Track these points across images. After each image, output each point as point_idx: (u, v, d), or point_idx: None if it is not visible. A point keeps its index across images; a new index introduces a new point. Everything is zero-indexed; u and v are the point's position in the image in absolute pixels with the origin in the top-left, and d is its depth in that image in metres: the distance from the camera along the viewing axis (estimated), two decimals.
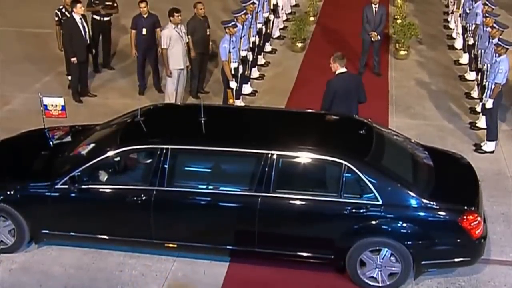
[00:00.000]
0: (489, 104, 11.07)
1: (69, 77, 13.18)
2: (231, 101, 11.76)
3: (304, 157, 8.00)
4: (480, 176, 9.52)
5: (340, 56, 10.00)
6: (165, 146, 8.11)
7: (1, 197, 8.36)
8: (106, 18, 13.86)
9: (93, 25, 13.72)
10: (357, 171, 7.82)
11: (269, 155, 7.94)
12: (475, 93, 13.05)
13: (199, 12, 12.69)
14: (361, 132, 8.61)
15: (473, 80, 13.59)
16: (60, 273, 8.27)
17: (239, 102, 12.22)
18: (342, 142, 8.45)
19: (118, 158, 8.36)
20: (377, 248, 7.85)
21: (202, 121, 8.49)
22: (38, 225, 8.45)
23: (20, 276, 8.24)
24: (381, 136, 8.70)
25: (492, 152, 11.21)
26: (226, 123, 8.98)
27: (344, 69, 9.99)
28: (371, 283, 8.00)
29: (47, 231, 8.48)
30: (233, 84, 11.87)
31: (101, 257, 8.52)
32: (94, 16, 13.76)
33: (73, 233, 8.45)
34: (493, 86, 11.03)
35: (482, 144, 11.35)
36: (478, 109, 12.27)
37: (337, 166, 7.88)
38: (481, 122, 11.85)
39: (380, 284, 7.98)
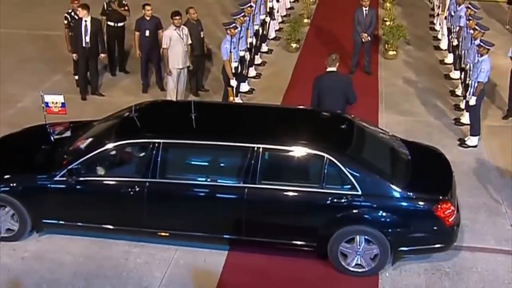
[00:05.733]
0: (473, 101, 11.09)
1: (76, 77, 13.22)
2: (231, 98, 11.78)
3: (288, 151, 8.03)
4: (463, 169, 9.60)
5: (332, 57, 10.03)
6: (157, 140, 8.14)
7: (5, 188, 8.38)
8: (120, 24, 13.73)
9: (108, 31, 13.69)
10: (338, 163, 7.84)
11: (255, 149, 7.97)
12: (459, 91, 13.05)
13: (192, 16, 12.68)
14: (343, 126, 8.64)
15: (457, 79, 13.58)
16: (70, 261, 8.31)
17: (237, 100, 12.22)
18: (324, 136, 8.48)
19: (113, 152, 8.37)
20: (352, 237, 7.89)
21: (193, 117, 8.51)
22: (39, 215, 8.48)
23: (32, 263, 8.27)
24: (361, 131, 8.74)
25: (475, 146, 11.23)
26: (215, 119, 8.97)
27: (333, 69, 10.02)
28: (359, 270, 8.05)
29: (47, 221, 8.51)
30: (233, 83, 11.89)
31: (108, 246, 8.55)
32: (108, 23, 13.62)
33: (72, 223, 8.48)
34: (476, 85, 11.04)
35: (466, 139, 11.37)
36: (462, 106, 12.28)
37: (319, 159, 7.90)
38: (465, 118, 11.87)
39: (366, 268, 8.03)
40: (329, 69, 10.03)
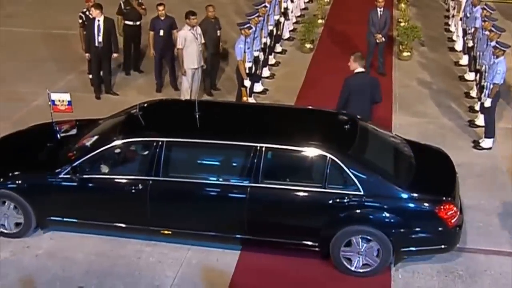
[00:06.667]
0: (488, 103, 11.03)
1: (90, 76, 13.28)
2: (244, 98, 11.79)
3: (291, 150, 8.01)
4: (478, 171, 9.51)
5: (360, 57, 9.95)
6: (161, 139, 8.14)
7: (11, 185, 8.44)
8: (137, 23, 13.80)
9: (125, 30, 13.75)
10: (340, 163, 7.82)
11: (258, 148, 7.96)
12: (474, 93, 12.98)
13: (209, 14, 12.73)
14: (346, 127, 8.60)
15: (472, 80, 13.51)
16: (82, 259, 8.34)
17: (251, 100, 12.23)
18: (327, 136, 8.41)
19: (117, 150, 8.38)
20: (351, 239, 7.88)
21: (197, 116, 8.51)
22: (44, 212, 8.52)
23: (45, 261, 8.32)
24: (365, 131, 8.69)
25: (489, 148, 11.15)
26: (219, 118, 8.95)
27: (362, 69, 9.92)
28: (365, 270, 8.02)
29: (52, 218, 8.56)
30: (247, 83, 11.90)
31: (120, 244, 8.57)
32: (126, 22, 13.71)
33: (75, 220, 8.50)
34: (491, 86, 10.98)
35: (480, 141, 11.29)
36: (477, 107, 12.21)
37: (322, 159, 7.89)
38: (480, 120, 11.81)
39: (374, 266, 7.98)
40: (358, 69, 9.90)
